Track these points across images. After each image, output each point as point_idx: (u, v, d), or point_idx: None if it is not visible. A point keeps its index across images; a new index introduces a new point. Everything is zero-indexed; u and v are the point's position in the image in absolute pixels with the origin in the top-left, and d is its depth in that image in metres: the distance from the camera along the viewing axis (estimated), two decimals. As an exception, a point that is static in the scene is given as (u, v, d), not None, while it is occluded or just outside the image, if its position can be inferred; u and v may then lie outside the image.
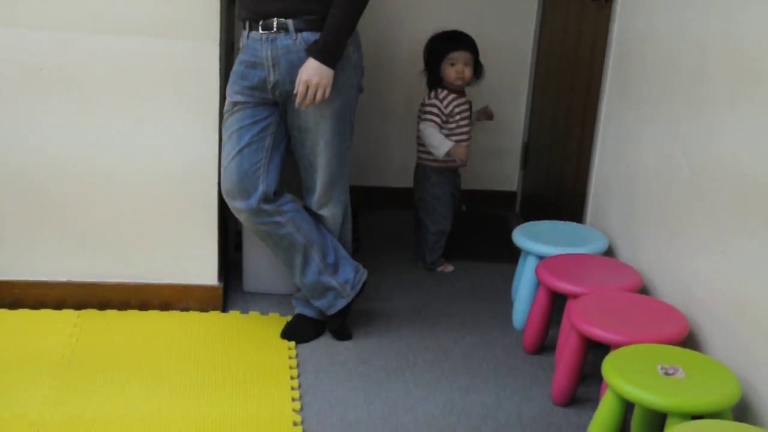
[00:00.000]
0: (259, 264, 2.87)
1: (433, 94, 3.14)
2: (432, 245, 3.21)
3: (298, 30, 2.38)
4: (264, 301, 2.86)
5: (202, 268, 2.75)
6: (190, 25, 2.56)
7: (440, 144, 3.09)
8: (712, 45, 2.18)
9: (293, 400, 2.32)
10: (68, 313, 2.68)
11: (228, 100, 2.50)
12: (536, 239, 2.72)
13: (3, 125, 2.57)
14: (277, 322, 2.72)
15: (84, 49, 2.54)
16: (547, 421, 2.30)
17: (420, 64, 3.19)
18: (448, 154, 3.09)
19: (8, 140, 2.58)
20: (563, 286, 2.43)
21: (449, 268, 3.24)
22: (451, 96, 3.11)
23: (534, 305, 2.58)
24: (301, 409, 2.29)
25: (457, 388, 2.44)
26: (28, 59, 2.53)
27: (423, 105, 3.16)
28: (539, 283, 2.54)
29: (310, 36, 2.38)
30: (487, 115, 3.35)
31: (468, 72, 3.10)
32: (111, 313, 2.71)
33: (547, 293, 2.53)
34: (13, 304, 2.68)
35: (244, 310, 2.81)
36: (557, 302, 2.54)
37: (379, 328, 2.75)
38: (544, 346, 2.65)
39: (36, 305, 2.70)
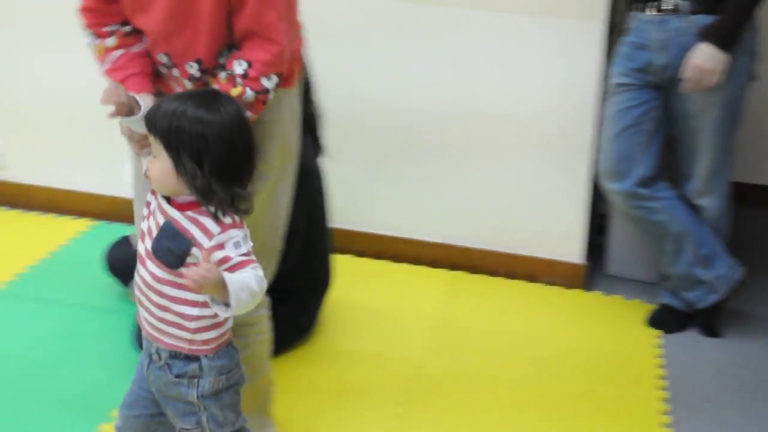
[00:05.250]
0: (625, 248, 2.85)
1: None
2: None
3: (692, 12, 2.30)
4: (627, 285, 2.83)
5: (570, 246, 2.79)
6: (577, 4, 2.60)
7: None
8: None
9: (659, 389, 2.28)
10: (442, 272, 2.86)
11: (612, 80, 2.50)
12: None
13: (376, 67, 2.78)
14: (640, 308, 2.68)
15: (474, 24, 2.70)
16: None
17: None
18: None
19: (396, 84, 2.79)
20: None
21: None
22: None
23: None
24: (670, 399, 2.25)
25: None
26: (421, 30, 2.73)
27: None
28: None
29: (705, 19, 2.30)
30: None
31: (158, 171, 1.41)
32: (480, 278, 2.85)
33: None
34: (396, 258, 2.93)
35: (607, 293, 2.81)
36: None
37: (756, 331, 2.59)
38: None
39: (414, 261, 2.92)
